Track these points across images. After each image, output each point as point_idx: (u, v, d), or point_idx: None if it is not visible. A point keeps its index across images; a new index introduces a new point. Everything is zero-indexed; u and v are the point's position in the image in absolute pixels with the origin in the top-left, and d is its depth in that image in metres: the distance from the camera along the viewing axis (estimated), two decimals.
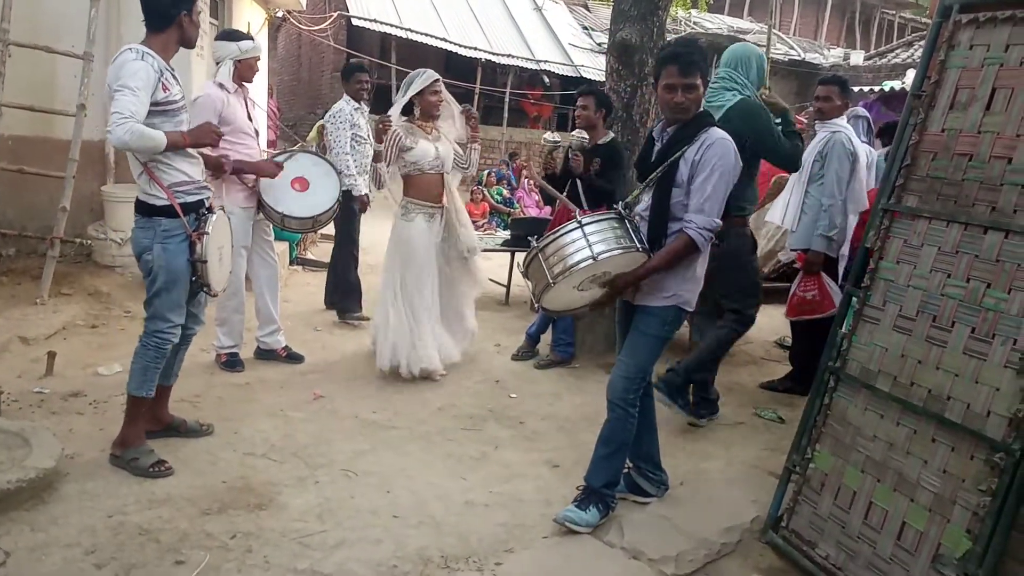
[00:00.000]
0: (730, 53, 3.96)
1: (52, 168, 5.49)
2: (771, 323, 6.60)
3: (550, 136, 4.85)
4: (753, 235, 4.23)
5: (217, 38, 4.49)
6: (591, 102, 4.73)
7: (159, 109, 3.03)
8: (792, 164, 4.01)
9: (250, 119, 4.46)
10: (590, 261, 2.71)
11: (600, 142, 4.71)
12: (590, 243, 2.73)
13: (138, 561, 2.56)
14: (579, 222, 2.78)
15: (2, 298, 5.21)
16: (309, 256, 7.98)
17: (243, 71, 4.38)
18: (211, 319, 4.60)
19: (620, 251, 2.76)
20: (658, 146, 2.98)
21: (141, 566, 2.54)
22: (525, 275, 2.93)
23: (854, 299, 2.92)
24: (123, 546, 2.64)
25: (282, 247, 6.57)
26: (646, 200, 2.95)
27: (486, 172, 14.03)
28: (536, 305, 2.95)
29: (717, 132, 2.84)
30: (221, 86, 4.30)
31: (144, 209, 3.15)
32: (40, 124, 5.74)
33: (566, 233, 2.77)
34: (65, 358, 4.34)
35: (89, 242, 5.90)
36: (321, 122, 6.24)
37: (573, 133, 4.67)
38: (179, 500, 2.97)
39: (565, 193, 4.91)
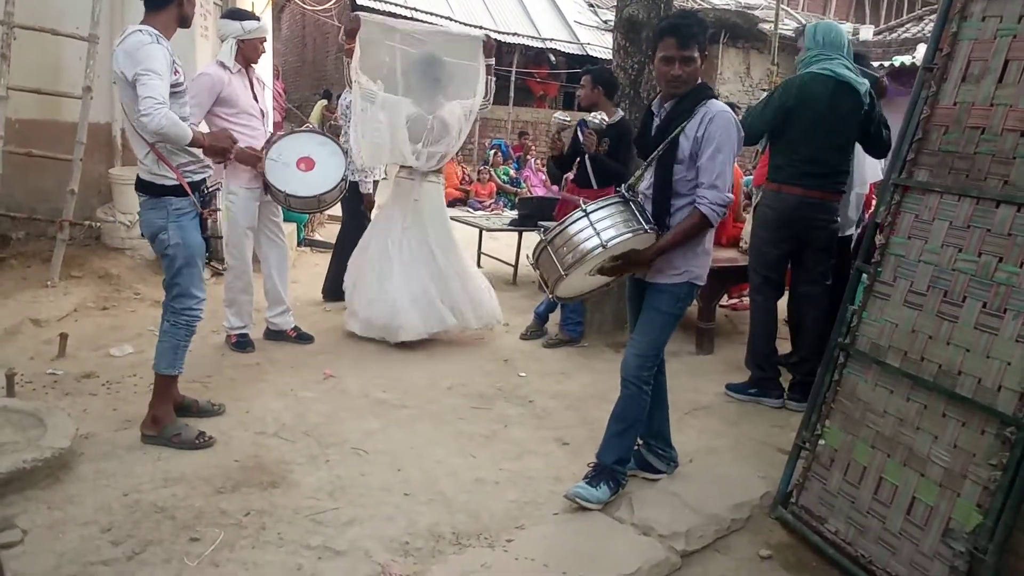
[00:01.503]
0: (842, 30, 3.98)
1: (60, 151, 5.50)
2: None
3: (561, 115, 4.82)
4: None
5: (222, 16, 4.46)
6: (587, 80, 4.75)
7: (168, 91, 3.04)
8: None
9: (256, 100, 4.44)
10: (600, 249, 2.69)
11: (609, 121, 4.69)
12: (598, 231, 2.71)
13: (154, 538, 2.59)
14: (584, 210, 2.74)
15: (13, 280, 5.23)
16: (317, 237, 7.99)
17: (247, 51, 4.34)
18: (220, 301, 4.64)
19: (630, 234, 2.73)
20: (657, 121, 2.95)
21: (157, 543, 2.57)
22: (535, 267, 2.91)
23: (864, 275, 2.91)
24: (139, 524, 2.67)
25: (290, 228, 6.56)
26: (648, 178, 2.93)
27: (491, 152, 14.00)
28: (551, 296, 2.93)
29: (717, 105, 2.80)
30: (223, 66, 4.26)
31: (152, 189, 3.17)
32: (47, 107, 5.73)
33: (573, 223, 2.74)
34: (77, 340, 4.37)
35: (98, 224, 5.91)
36: (323, 102, 6.14)
37: (592, 114, 4.61)
38: (193, 479, 3.01)
39: (575, 171, 4.89)
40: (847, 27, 17.60)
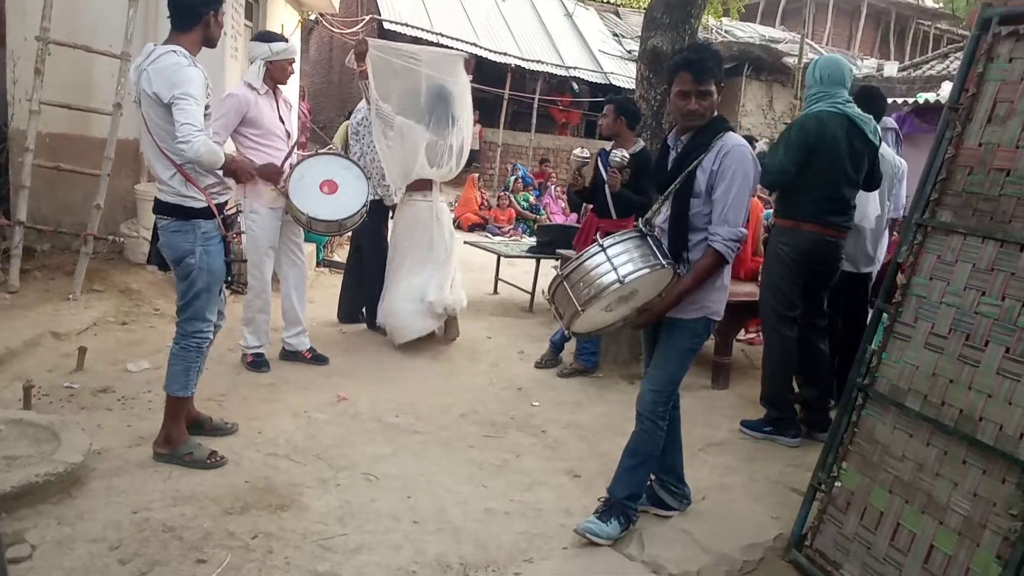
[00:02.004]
0: (845, 66, 4.01)
1: (87, 166, 5.59)
2: None
3: (580, 152, 4.82)
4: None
5: (252, 39, 4.54)
6: (610, 109, 4.78)
7: None
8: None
9: (282, 121, 4.49)
10: (617, 285, 2.64)
11: (630, 152, 4.69)
12: (615, 265, 2.66)
13: (161, 558, 2.59)
14: (601, 245, 2.71)
15: (35, 292, 5.30)
16: (335, 258, 8.04)
17: (274, 73, 4.40)
18: (238, 319, 4.67)
19: (647, 269, 2.69)
20: (673, 155, 2.94)
21: (164, 563, 2.56)
22: (551, 302, 2.86)
23: (884, 315, 2.88)
24: (147, 543, 2.67)
25: (309, 248, 6.61)
26: (665, 212, 2.92)
27: (512, 178, 14.07)
28: (567, 332, 2.91)
29: (733, 138, 2.80)
30: (250, 87, 4.33)
31: (180, 212, 3.16)
32: (77, 122, 5.85)
33: (589, 258, 2.70)
34: (95, 354, 4.41)
35: (122, 239, 5.99)
36: (347, 123, 6.19)
37: (614, 151, 4.61)
38: (203, 498, 3.00)
39: (594, 208, 4.89)
40: (871, 63, 17.62)
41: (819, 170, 3.88)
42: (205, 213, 3.16)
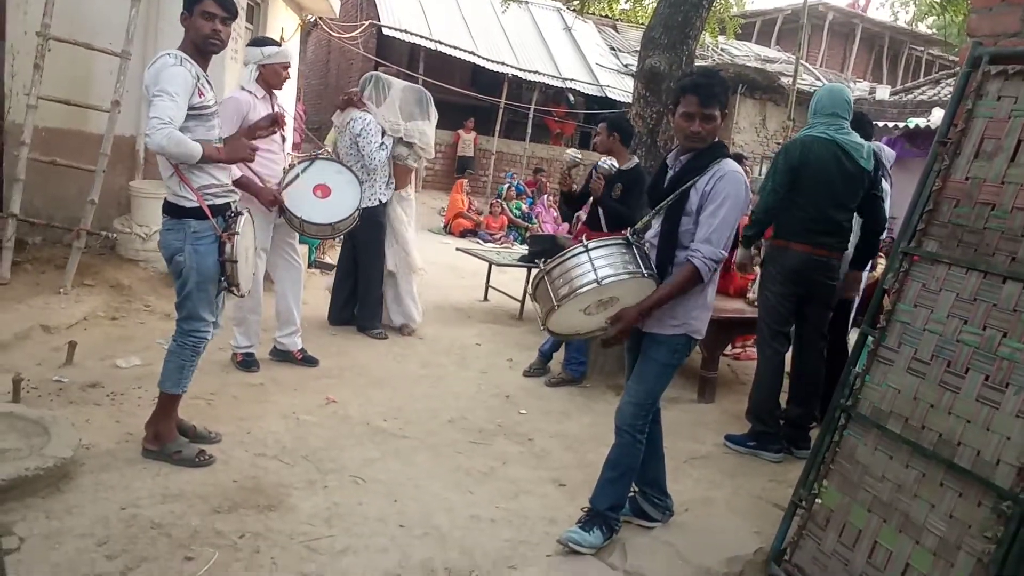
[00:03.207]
0: (840, 96, 4.13)
1: (83, 161, 5.60)
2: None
3: (573, 152, 4.89)
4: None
5: (248, 44, 4.58)
6: (603, 128, 4.86)
7: (193, 113, 3.10)
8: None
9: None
10: (594, 285, 2.72)
11: (623, 167, 4.76)
12: (595, 267, 2.74)
13: (149, 555, 2.60)
14: (585, 246, 2.80)
15: (26, 285, 5.30)
16: (327, 260, 8.06)
17: (268, 76, 4.38)
18: (228, 319, 4.68)
19: (626, 276, 2.77)
20: (671, 173, 3.00)
21: (152, 560, 2.58)
22: (533, 297, 2.96)
23: (869, 338, 2.94)
24: (135, 539, 2.68)
25: (302, 249, 6.62)
26: (656, 227, 2.98)
27: (505, 185, 14.14)
28: (542, 328, 2.97)
29: (730, 164, 2.86)
30: (248, 91, 4.34)
31: (173, 211, 3.21)
32: (74, 118, 5.85)
33: (572, 257, 2.79)
34: (85, 348, 4.41)
35: (114, 235, 5.99)
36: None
37: (604, 160, 4.69)
38: (191, 496, 3.02)
39: (586, 216, 4.95)
40: (863, 86, 17.83)
41: (805, 192, 4.02)
42: (196, 213, 3.18)
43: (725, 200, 2.79)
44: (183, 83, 3.03)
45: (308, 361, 4.83)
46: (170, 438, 3.29)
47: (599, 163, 4.68)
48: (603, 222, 4.87)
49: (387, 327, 5.83)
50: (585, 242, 2.82)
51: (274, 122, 3.61)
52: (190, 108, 3.07)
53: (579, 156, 4.88)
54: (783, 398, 4.40)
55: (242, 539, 2.79)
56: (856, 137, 4.08)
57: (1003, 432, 2.38)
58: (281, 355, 4.81)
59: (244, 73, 4.42)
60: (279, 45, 4.57)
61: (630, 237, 2.87)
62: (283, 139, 4.60)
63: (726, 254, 2.85)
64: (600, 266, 2.74)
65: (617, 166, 4.63)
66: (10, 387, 3.59)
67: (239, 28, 6.78)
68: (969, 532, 2.39)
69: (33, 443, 3.07)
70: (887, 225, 4.70)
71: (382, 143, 5.39)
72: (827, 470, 2.92)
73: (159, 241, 3.30)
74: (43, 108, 5.49)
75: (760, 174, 14.08)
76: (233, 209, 3.35)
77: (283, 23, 9.71)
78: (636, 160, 4.87)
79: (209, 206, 3.21)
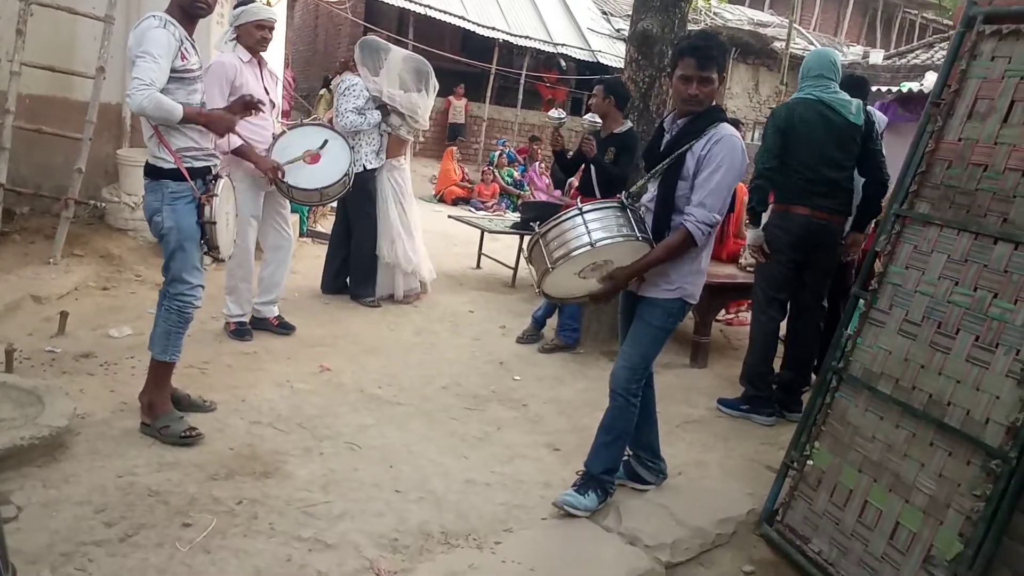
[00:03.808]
0: (825, 58, 4.14)
1: (69, 129, 5.52)
2: None
3: (555, 113, 4.84)
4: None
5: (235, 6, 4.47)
6: (599, 90, 4.83)
7: (175, 76, 3.07)
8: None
9: (267, 92, 4.45)
10: (588, 248, 2.73)
11: (616, 131, 4.73)
12: (589, 230, 2.75)
13: (147, 522, 2.62)
14: (579, 209, 2.80)
15: (15, 256, 5.25)
16: (319, 229, 8.01)
17: (243, 38, 4.23)
18: (220, 287, 4.67)
19: (620, 239, 2.77)
20: (667, 137, 2.98)
21: (150, 527, 2.60)
22: (528, 260, 2.97)
23: (861, 301, 2.96)
24: (133, 506, 2.70)
25: (293, 219, 6.58)
26: (652, 191, 2.98)
27: (497, 152, 14.04)
28: (537, 290, 2.98)
29: (726, 128, 2.84)
30: (237, 56, 4.24)
31: (152, 172, 3.20)
32: (59, 85, 5.75)
33: (566, 220, 2.80)
34: (76, 319, 4.39)
35: (103, 204, 5.93)
36: (323, 93, 6.30)
37: (585, 116, 4.69)
38: (187, 465, 3.03)
39: (579, 180, 4.94)
40: (856, 50, 17.68)
41: (796, 154, 4.03)
42: (174, 174, 3.17)
43: (721, 164, 2.77)
44: (166, 45, 3.00)
45: (284, 327, 4.79)
46: (163, 410, 3.26)
47: (584, 119, 4.68)
48: (596, 187, 4.85)
49: (385, 298, 5.79)
50: (579, 205, 2.81)
51: (247, 106, 3.56)
52: (172, 71, 3.05)
53: (562, 115, 4.82)
54: (778, 363, 4.43)
55: (239, 505, 2.81)
56: (844, 95, 4.06)
57: (993, 392, 2.41)
58: (257, 322, 4.75)
59: (223, 36, 4.32)
60: (250, 3, 4.27)
61: (624, 200, 2.86)
62: (272, 105, 4.53)
63: (720, 218, 2.84)
64: (594, 228, 2.75)
65: (599, 121, 4.62)
66: (2, 357, 3.57)
67: None
68: (959, 490, 2.43)
69: (28, 412, 3.07)
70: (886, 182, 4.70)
71: (362, 108, 5.34)
72: (818, 431, 2.96)
73: (143, 203, 3.29)
74: (27, 75, 5.39)
75: (753, 140, 14.03)
76: (213, 172, 3.32)
77: None
78: (629, 124, 4.85)
79: (188, 168, 3.18)
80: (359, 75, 5.46)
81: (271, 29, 4.34)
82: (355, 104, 5.34)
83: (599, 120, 4.67)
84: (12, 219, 5.67)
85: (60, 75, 5.62)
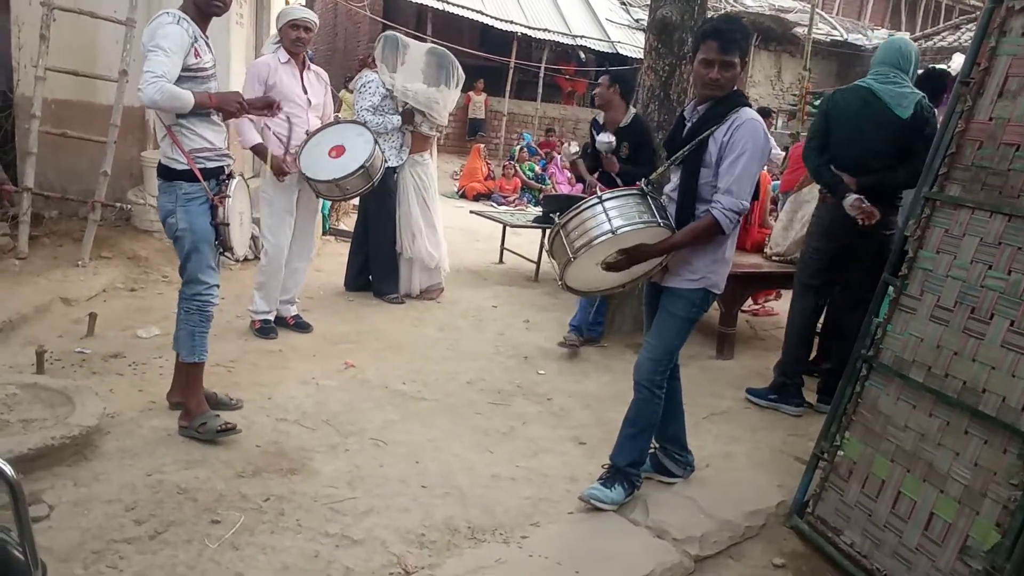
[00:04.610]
0: (894, 47, 4.01)
1: (94, 132, 5.58)
2: None
3: (605, 138, 4.64)
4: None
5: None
6: (605, 79, 4.82)
7: (188, 74, 3.08)
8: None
9: (305, 91, 4.54)
10: (609, 235, 2.69)
11: (622, 124, 4.68)
12: (610, 218, 2.72)
13: (176, 519, 2.64)
14: (599, 197, 2.77)
15: (44, 259, 5.33)
16: (342, 227, 8.05)
17: (282, 39, 4.45)
18: (246, 287, 4.69)
19: (641, 225, 2.74)
20: (688, 125, 2.94)
21: (179, 524, 2.62)
22: (550, 253, 2.94)
23: (890, 288, 2.90)
24: (162, 504, 2.72)
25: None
26: (674, 180, 2.94)
27: (518, 147, 14.00)
28: (560, 283, 2.95)
29: (748, 112, 2.79)
30: (277, 57, 4.44)
31: (165, 173, 3.21)
32: (83, 89, 5.83)
33: (587, 208, 2.77)
34: (105, 320, 4.44)
35: (128, 207, 6.00)
36: (347, 94, 6.35)
37: (599, 137, 4.61)
38: (215, 462, 3.06)
39: (598, 176, 4.90)
40: (881, 33, 17.39)
41: (838, 141, 3.96)
42: (187, 175, 3.17)
43: (744, 150, 2.72)
44: (178, 40, 3.01)
45: (301, 327, 4.81)
46: (199, 410, 3.28)
47: (598, 141, 4.60)
48: (618, 185, 4.81)
49: (408, 295, 5.80)
50: (599, 194, 2.78)
51: (267, 105, 3.59)
52: (186, 68, 3.06)
53: (612, 140, 4.74)
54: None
55: (267, 502, 2.82)
56: (903, 88, 3.88)
57: None
58: (276, 320, 4.77)
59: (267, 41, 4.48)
60: (288, 6, 4.54)
61: (644, 188, 2.83)
62: (308, 103, 4.57)
63: (747, 205, 2.79)
64: (614, 216, 2.72)
65: (614, 142, 4.55)
66: (34, 359, 3.63)
67: None
68: (995, 479, 2.37)
69: (58, 413, 3.11)
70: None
71: (377, 106, 5.36)
72: (849, 421, 2.90)
73: (157, 203, 3.31)
74: (52, 80, 5.46)
75: (776, 128, 13.85)
76: (226, 172, 3.33)
77: None
78: (633, 111, 4.79)
79: (201, 169, 3.19)
80: (376, 71, 5.47)
81: (306, 29, 4.46)
82: (371, 102, 5.36)
83: (613, 139, 4.58)
84: (41, 223, 5.76)
85: (84, 79, 5.69)
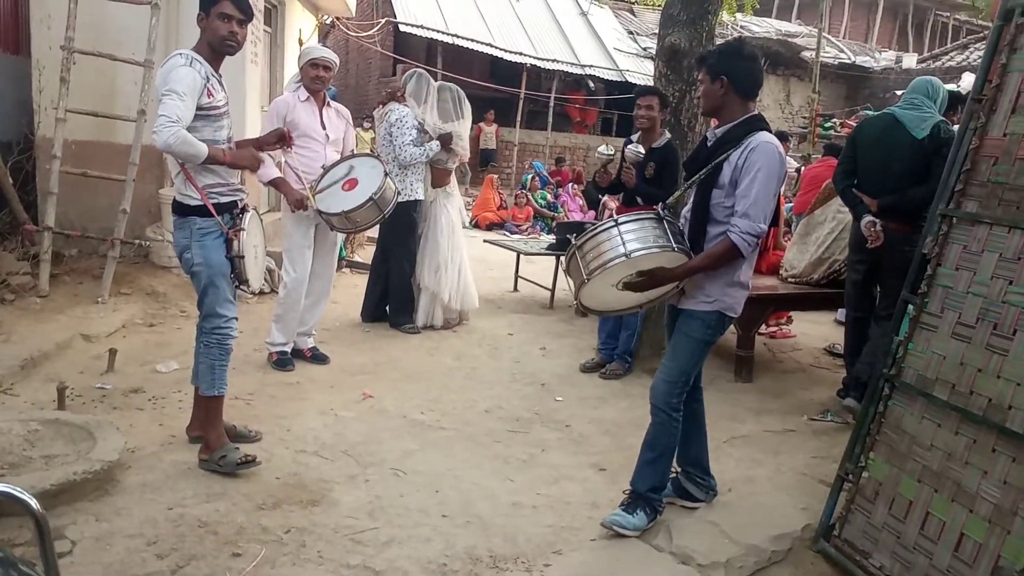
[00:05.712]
0: (922, 82, 4.25)
1: (113, 171, 5.68)
2: (820, 330, 6.52)
3: (604, 149, 4.77)
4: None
5: None
6: (655, 102, 4.66)
7: (201, 113, 3.12)
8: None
9: (323, 127, 4.63)
10: (623, 258, 2.72)
11: (655, 145, 4.66)
12: (624, 241, 2.74)
13: (198, 553, 2.64)
14: (615, 220, 2.80)
15: (65, 296, 5.40)
16: (357, 259, 8.10)
17: (303, 78, 4.59)
18: (264, 320, 4.72)
19: (657, 249, 2.75)
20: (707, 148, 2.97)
21: (201, 557, 2.61)
22: (567, 272, 2.98)
23: (910, 306, 2.88)
24: (183, 538, 2.72)
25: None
26: (690, 201, 2.96)
27: (529, 176, 14.09)
28: (575, 303, 2.97)
29: (763, 135, 2.80)
30: (296, 94, 4.59)
31: (180, 209, 3.24)
32: (103, 129, 5.94)
33: (602, 231, 2.80)
34: (125, 355, 4.48)
35: (147, 243, 6.08)
36: (361, 131, 6.42)
37: (629, 147, 4.60)
38: (235, 495, 3.05)
39: (621, 198, 4.90)
40: (889, 55, 17.45)
41: (864, 165, 4.28)
42: (201, 211, 3.21)
43: (759, 173, 2.73)
44: (191, 83, 3.05)
45: (318, 359, 4.83)
46: (219, 443, 3.29)
47: (627, 150, 4.58)
48: (640, 201, 4.80)
49: (430, 327, 5.80)
50: (615, 217, 2.80)
51: (280, 138, 3.65)
52: (199, 108, 3.10)
53: (611, 152, 4.73)
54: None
55: (288, 534, 2.81)
56: (924, 112, 4.09)
57: None
58: (293, 352, 4.79)
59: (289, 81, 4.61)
60: (304, 46, 4.65)
61: (661, 212, 2.84)
62: (327, 138, 4.64)
63: (765, 228, 2.79)
64: (629, 240, 2.74)
65: (643, 152, 4.54)
66: (55, 395, 3.66)
67: (257, 31, 6.82)
68: None
69: (80, 448, 3.13)
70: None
71: (418, 140, 5.44)
72: (873, 441, 2.87)
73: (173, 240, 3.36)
74: (72, 121, 5.58)
75: (791, 151, 13.86)
76: (240, 206, 3.36)
77: (300, 25, 9.75)
78: (668, 135, 4.78)
79: (214, 204, 3.22)
80: (406, 105, 5.53)
81: (325, 68, 4.59)
82: (411, 136, 5.45)
83: (643, 150, 4.53)
84: (62, 261, 5.84)
85: (103, 120, 5.81)
